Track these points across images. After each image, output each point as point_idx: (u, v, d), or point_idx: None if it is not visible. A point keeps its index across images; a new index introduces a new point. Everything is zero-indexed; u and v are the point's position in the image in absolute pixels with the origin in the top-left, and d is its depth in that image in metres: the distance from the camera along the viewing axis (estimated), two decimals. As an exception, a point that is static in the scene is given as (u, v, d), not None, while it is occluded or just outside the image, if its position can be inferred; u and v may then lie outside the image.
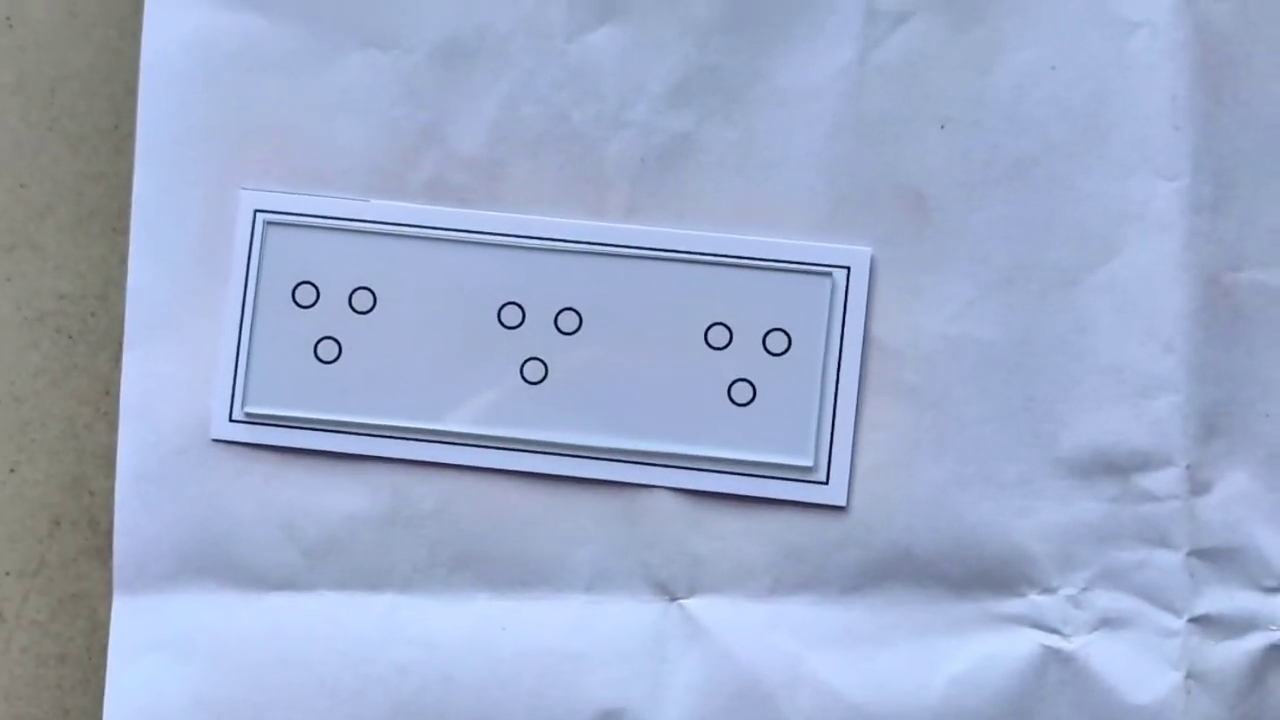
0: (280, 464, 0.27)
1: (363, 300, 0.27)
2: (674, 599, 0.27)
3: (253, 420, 0.27)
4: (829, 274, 0.27)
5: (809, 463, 0.27)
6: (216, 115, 0.27)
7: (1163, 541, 0.27)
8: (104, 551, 0.28)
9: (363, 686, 0.27)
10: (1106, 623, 0.27)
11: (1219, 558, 0.26)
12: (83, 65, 0.28)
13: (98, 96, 0.28)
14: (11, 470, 0.28)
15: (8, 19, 0.28)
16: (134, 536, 0.27)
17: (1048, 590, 0.27)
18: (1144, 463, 0.26)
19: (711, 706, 0.26)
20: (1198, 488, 0.27)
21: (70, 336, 0.28)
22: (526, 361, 0.27)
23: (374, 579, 0.27)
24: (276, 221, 0.27)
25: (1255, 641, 0.27)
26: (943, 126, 0.27)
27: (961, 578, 0.27)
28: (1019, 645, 0.27)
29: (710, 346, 0.27)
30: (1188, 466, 0.26)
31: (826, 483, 0.27)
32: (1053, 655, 0.27)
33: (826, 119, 0.27)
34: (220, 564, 0.27)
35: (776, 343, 0.27)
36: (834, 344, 0.27)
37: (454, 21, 0.27)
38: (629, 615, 0.27)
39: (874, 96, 0.27)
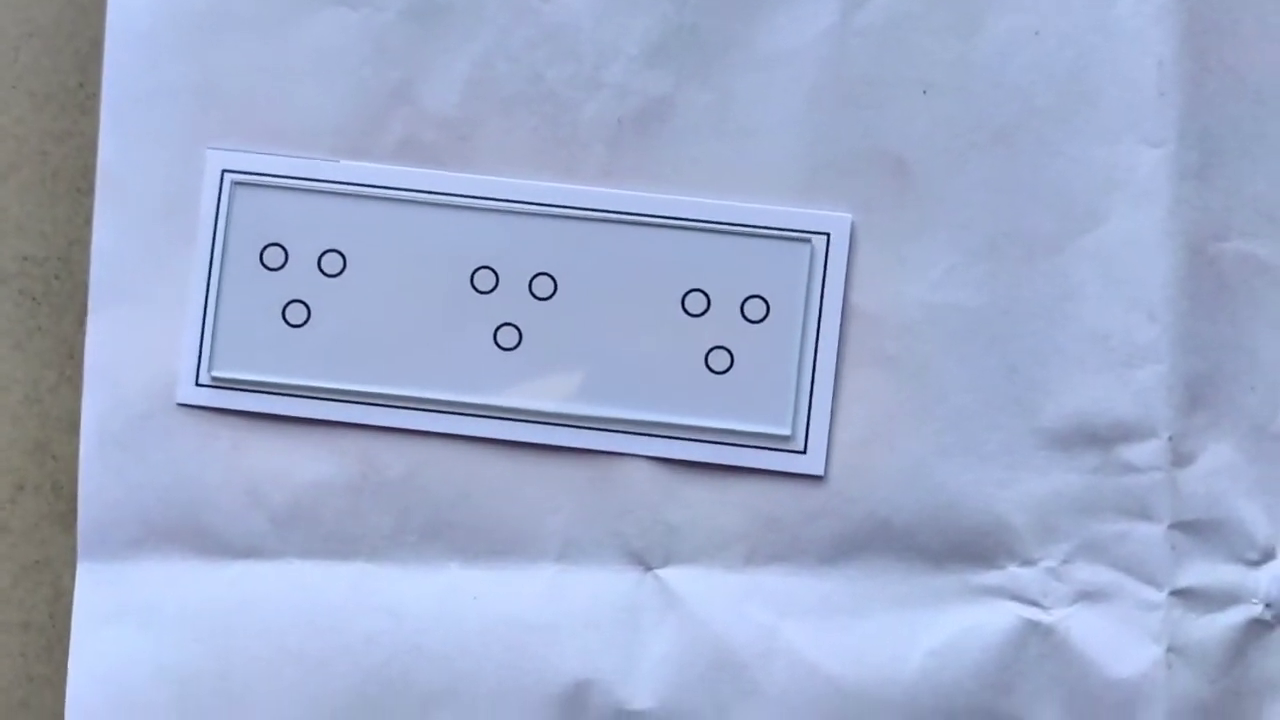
0: (247, 429, 0.27)
1: (332, 263, 0.26)
2: (648, 569, 0.27)
3: (219, 385, 0.27)
4: (808, 240, 0.26)
5: (786, 431, 0.26)
6: (183, 74, 0.27)
7: (1144, 514, 0.26)
8: (68, 517, 0.28)
9: (329, 656, 0.27)
10: (1086, 595, 0.27)
11: (1201, 530, 0.26)
12: (47, 22, 0.28)
13: (62, 54, 0.28)
14: (-28, 435, 0.28)
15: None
16: (98, 502, 0.28)
17: (1027, 562, 0.27)
18: (1126, 434, 0.26)
19: (686, 677, 0.26)
20: (1180, 459, 0.27)
21: (34, 299, 0.28)
22: (500, 327, 0.26)
23: (342, 547, 0.27)
24: (244, 182, 0.26)
25: (1237, 615, 0.27)
26: (925, 92, 0.27)
27: (940, 549, 0.27)
28: (998, 618, 0.27)
29: (687, 313, 0.26)
30: (1170, 438, 0.26)
31: (804, 452, 0.26)
32: (1032, 628, 0.27)
33: (806, 83, 0.27)
34: (186, 531, 0.27)
35: (754, 310, 0.26)
36: (813, 312, 0.26)
37: (427, -22, 0.27)
38: (602, 585, 0.27)
39: (855, 61, 0.27)
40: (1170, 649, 0.27)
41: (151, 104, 0.27)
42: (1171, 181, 0.26)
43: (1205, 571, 0.27)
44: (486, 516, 0.27)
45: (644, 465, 0.27)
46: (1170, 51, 0.27)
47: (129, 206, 0.27)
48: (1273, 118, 0.27)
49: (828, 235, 0.26)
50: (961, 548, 0.27)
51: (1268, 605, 0.26)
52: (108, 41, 0.27)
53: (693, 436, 0.26)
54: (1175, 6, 0.26)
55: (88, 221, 0.27)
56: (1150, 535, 0.27)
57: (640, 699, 0.27)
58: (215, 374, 0.27)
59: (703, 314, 0.27)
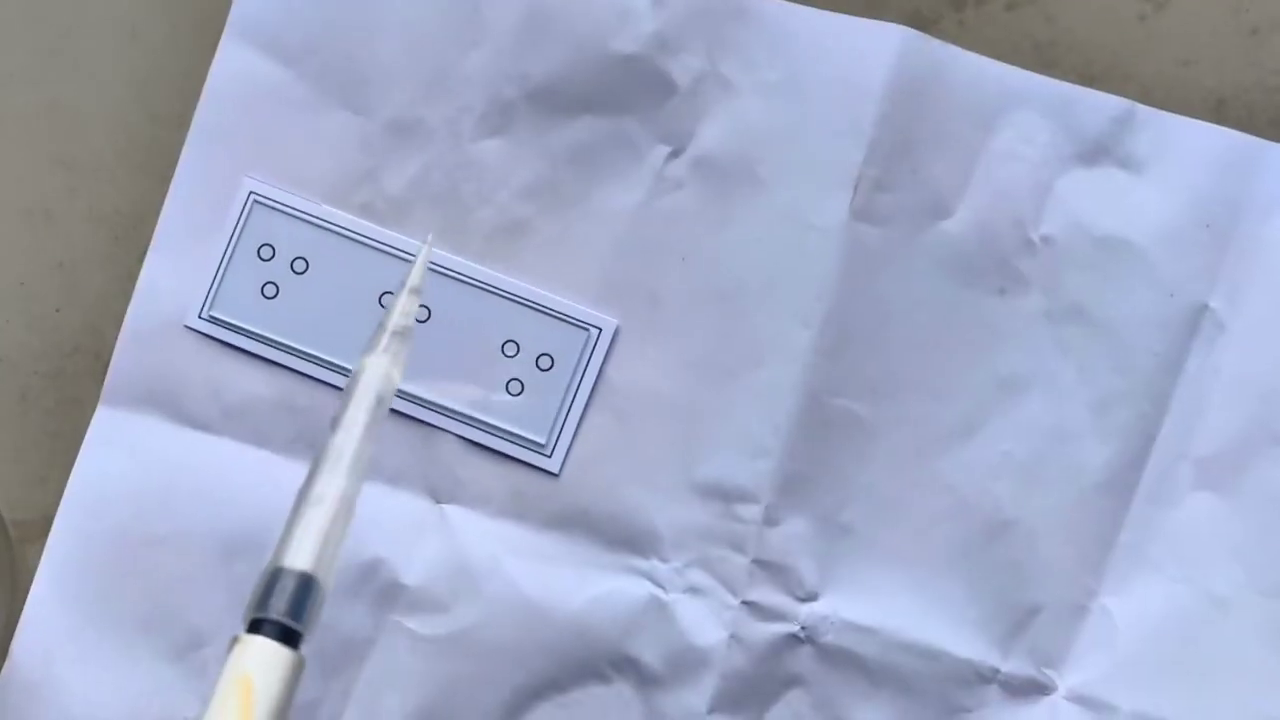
0: (221, 351, 0.40)
1: (300, 265, 0.40)
2: (437, 501, 0.40)
3: (213, 321, 0.40)
4: (588, 329, 0.41)
5: (543, 440, 0.40)
6: (241, 128, 0.40)
7: (739, 549, 0.40)
8: (99, 375, 0.40)
9: (231, 502, 0.40)
10: (692, 590, 0.39)
11: (771, 569, 0.39)
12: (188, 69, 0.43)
13: (169, 74, 0.43)
14: (57, 310, 0.43)
15: (132, 33, 0.43)
16: (120, 370, 0.40)
17: (663, 560, 0.39)
18: (741, 497, 0.39)
19: (440, 571, 0.40)
20: (770, 521, 0.39)
21: (116, 238, 0.42)
22: None
23: (260, 439, 0.40)
24: (260, 202, 0.41)
25: (780, 629, 0.39)
26: (683, 259, 0.40)
27: (615, 537, 0.40)
28: (637, 589, 0.39)
29: (503, 354, 0.40)
30: (766, 506, 0.39)
31: (550, 456, 0.40)
32: (655, 601, 0.39)
33: (614, 235, 0.40)
34: (168, 402, 0.40)
35: (544, 362, 0.40)
36: (579, 372, 0.40)
37: (403, 109, 0.40)
38: (407, 504, 0.40)
39: (646, 228, 0.40)
40: (732, 636, 0.39)
41: (218, 143, 0.40)
42: (811, 353, 0.39)
43: (767, 595, 0.39)
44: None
45: (453, 438, 0.40)
46: (833, 272, 0.39)
47: (192, 200, 0.40)
48: (891, 328, 0.39)
49: (600, 329, 0.40)
50: (628, 540, 0.39)
51: (803, 628, 0.39)
52: (203, 99, 0.40)
53: (486, 428, 0.40)
54: (844, 249, 0.40)
55: (161, 199, 0.42)
56: (739, 563, 0.39)
57: (409, 577, 0.40)
58: (212, 314, 0.40)
59: (513, 356, 0.40)
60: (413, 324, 0.33)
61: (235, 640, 0.28)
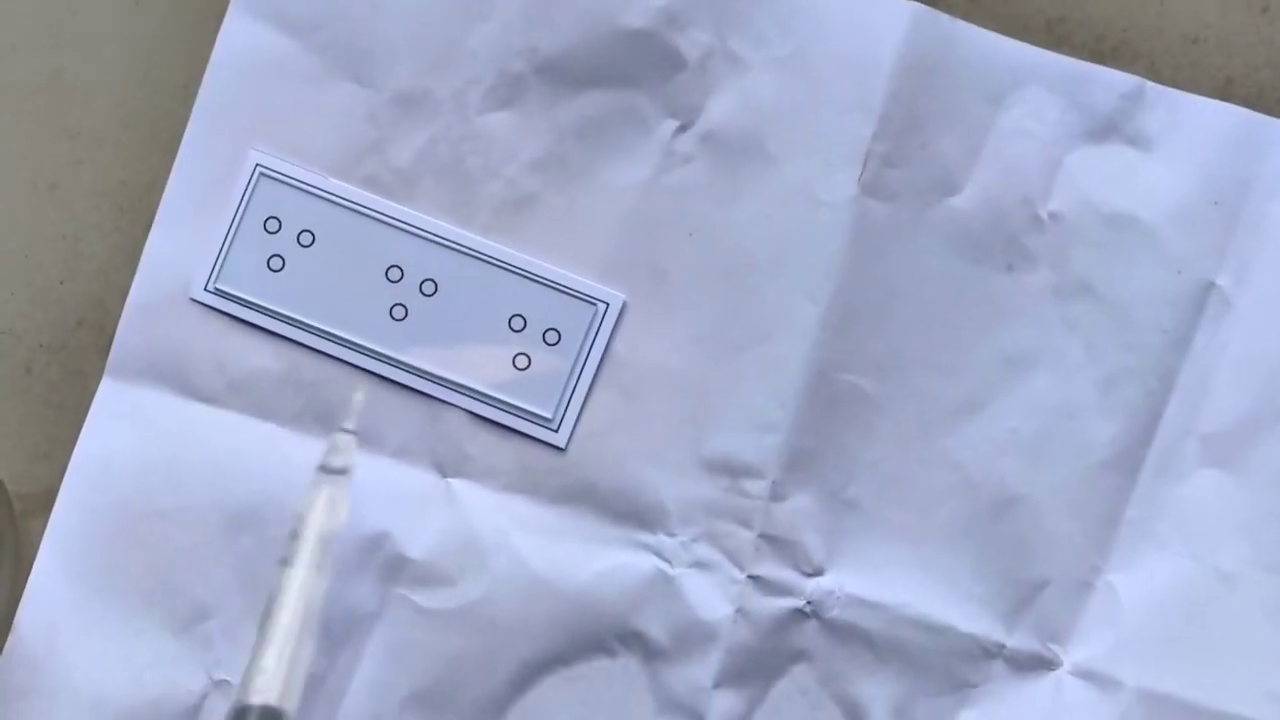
0: (227, 324, 0.40)
1: (306, 238, 0.40)
2: (444, 476, 0.40)
3: (219, 293, 0.41)
4: (595, 304, 0.41)
5: (550, 415, 0.40)
6: (247, 100, 0.40)
7: (745, 524, 0.40)
8: (104, 348, 0.40)
9: (237, 474, 0.40)
10: (698, 564, 0.40)
11: (777, 544, 0.40)
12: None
13: (174, 58, 0.42)
14: (61, 283, 0.42)
15: (136, 4, 0.42)
16: (126, 343, 0.40)
17: (669, 534, 0.40)
18: (748, 472, 0.40)
19: (446, 545, 0.40)
20: (776, 497, 0.40)
21: (121, 209, 0.42)
22: (394, 305, 0.40)
23: (265, 411, 0.40)
24: (266, 174, 0.40)
25: (786, 603, 0.40)
26: (690, 234, 0.40)
27: (622, 511, 0.40)
28: (643, 563, 0.40)
29: (510, 328, 0.40)
30: (773, 482, 0.40)
31: (557, 430, 0.40)
32: (661, 575, 0.40)
33: (622, 210, 0.40)
34: (173, 375, 0.40)
35: (551, 337, 0.41)
36: (586, 347, 0.40)
37: (410, 81, 0.40)
38: (413, 477, 0.40)
39: (654, 203, 0.40)
40: (739, 610, 0.40)
41: (225, 115, 0.40)
42: (818, 329, 0.39)
43: (773, 570, 0.40)
44: (359, 420, 0.39)
45: (459, 412, 0.40)
46: (841, 247, 0.40)
47: (198, 171, 0.40)
48: (898, 304, 0.39)
49: (608, 304, 0.41)
50: (634, 514, 0.40)
51: (808, 603, 0.39)
52: (209, 70, 0.40)
53: (493, 403, 0.40)
54: (853, 222, 0.40)
55: (167, 171, 0.42)
56: (745, 538, 0.40)
57: (415, 551, 0.40)
58: (218, 286, 0.41)
59: (520, 331, 0.41)
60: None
61: None
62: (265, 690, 0.31)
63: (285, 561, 0.36)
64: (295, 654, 0.32)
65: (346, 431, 0.38)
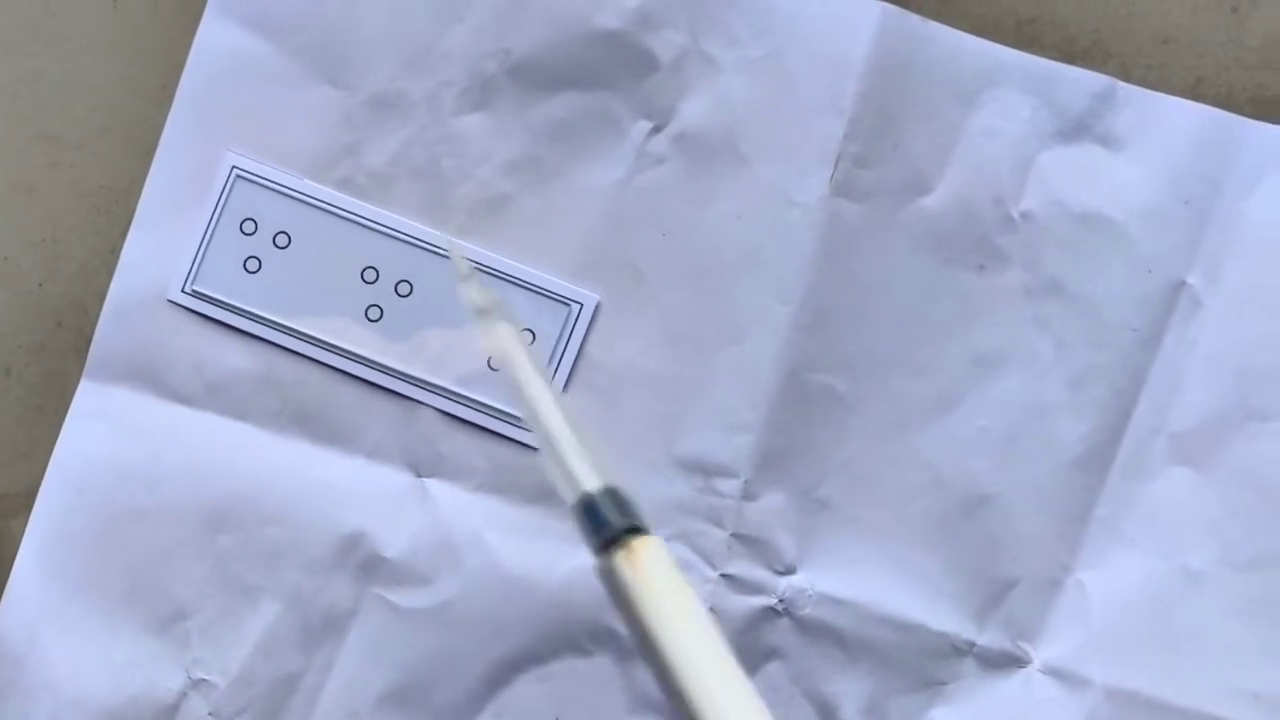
0: (204, 325, 0.40)
1: (282, 240, 0.41)
2: (419, 475, 0.40)
3: (196, 295, 0.41)
4: (569, 304, 0.41)
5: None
6: (224, 103, 0.40)
7: (718, 523, 0.40)
8: (82, 350, 0.41)
9: (214, 473, 0.40)
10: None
11: (749, 543, 0.40)
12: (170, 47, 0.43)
13: (153, 60, 0.43)
14: (40, 285, 0.43)
15: (114, 6, 0.43)
16: (103, 345, 0.40)
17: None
18: (721, 471, 0.40)
19: (421, 544, 0.40)
20: (748, 496, 0.40)
21: (99, 211, 0.43)
22: (369, 306, 0.41)
23: (241, 412, 0.40)
24: (242, 176, 0.41)
25: (758, 601, 0.40)
26: (664, 235, 0.41)
27: None
28: None
29: None
30: (745, 481, 0.40)
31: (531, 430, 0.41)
32: None
33: (596, 210, 0.40)
34: (150, 376, 0.40)
35: (527, 337, 0.41)
36: (561, 347, 0.40)
37: (385, 84, 0.40)
38: (388, 477, 0.40)
39: (627, 204, 0.40)
40: (711, 609, 0.40)
41: (201, 117, 0.40)
42: (790, 328, 0.40)
43: (745, 568, 0.40)
44: (334, 418, 0.40)
45: (434, 413, 0.40)
46: (812, 248, 0.40)
47: (175, 173, 0.41)
48: (870, 304, 0.40)
49: (582, 304, 0.41)
50: None
51: (780, 601, 0.40)
52: (186, 71, 0.40)
53: (468, 403, 0.41)
54: (824, 222, 0.40)
55: (144, 173, 0.42)
56: (718, 537, 0.40)
57: (390, 550, 0.40)
58: (195, 288, 0.41)
59: (494, 331, 0.41)
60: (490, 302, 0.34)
61: (612, 568, 0.29)
62: (590, 478, 0.30)
63: (519, 391, 0.33)
64: (585, 441, 0.31)
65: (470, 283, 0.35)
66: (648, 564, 0.29)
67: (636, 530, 0.29)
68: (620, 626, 0.40)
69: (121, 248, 0.41)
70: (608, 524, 0.30)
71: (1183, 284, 0.40)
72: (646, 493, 0.40)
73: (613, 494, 0.30)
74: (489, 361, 0.40)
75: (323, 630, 0.40)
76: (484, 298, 0.34)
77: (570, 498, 0.30)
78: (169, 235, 0.41)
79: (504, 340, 0.33)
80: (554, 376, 0.40)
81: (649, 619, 0.29)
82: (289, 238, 0.41)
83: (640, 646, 0.29)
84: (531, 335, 0.40)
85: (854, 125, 0.40)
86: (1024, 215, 0.40)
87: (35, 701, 0.40)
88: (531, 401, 0.32)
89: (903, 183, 0.40)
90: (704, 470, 0.40)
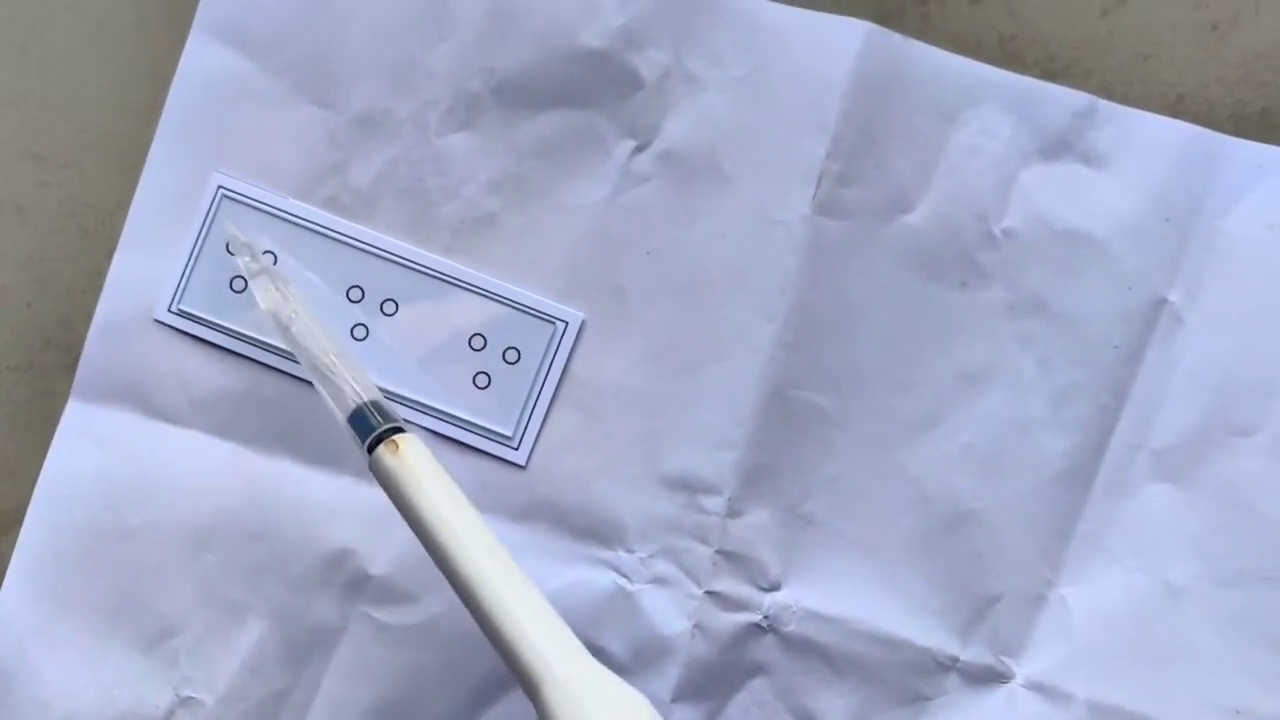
0: (190, 345, 0.40)
1: (267, 259, 0.41)
2: None
3: (182, 314, 0.41)
4: (554, 323, 0.41)
5: (510, 433, 0.41)
6: (210, 123, 0.41)
7: (703, 539, 0.40)
8: (70, 369, 0.41)
9: (199, 492, 0.40)
10: (657, 580, 0.40)
11: (734, 559, 0.40)
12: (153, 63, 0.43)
13: (137, 62, 0.43)
14: (28, 304, 0.43)
15: (99, 26, 0.43)
16: (91, 364, 0.40)
17: (629, 550, 0.40)
18: (705, 489, 0.40)
19: (407, 562, 0.40)
20: (733, 513, 0.40)
21: (86, 231, 0.42)
22: (355, 325, 0.41)
23: (226, 430, 0.40)
24: (228, 196, 0.41)
25: (743, 618, 0.40)
26: (648, 253, 0.40)
27: (581, 528, 0.40)
28: (603, 579, 0.40)
29: (470, 347, 0.41)
30: (730, 498, 0.40)
31: (517, 449, 0.41)
32: (620, 591, 0.40)
33: (580, 229, 0.40)
34: (137, 395, 0.40)
35: (511, 355, 0.41)
36: (545, 366, 0.41)
37: (370, 103, 0.40)
38: (376, 496, 0.39)
39: (612, 223, 0.40)
40: (696, 626, 0.40)
41: (187, 137, 0.40)
42: (774, 346, 0.40)
43: (730, 586, 0.40)
44: (320, 437, 0.40)
45: (420, 431, 0.42)
46: (795, 266, 0.40)
47: (161, 193, 0.40)
48: (853, 321, 0.40)
49: (566, 323, 0.41)
50: (593, 531, 0.40)
51: (765, 618, 0.40)
52: (173, 91, 0.41)
53: (453, 421, 0.41)
54: (807, 241, 0.40)
55: (131, 193, 0.42)
56: (703, 554, 0.40)
57: (376, 568, 0.40)
58: (181, 307, 0.41)
59: (480, 350, 0.41)
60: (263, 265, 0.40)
61: (376, 457, 0.36)
62: (355, 394, 0.37)
63: (285, 327, 0.39)
64: (345, 359, 0.38)
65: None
66: (406, 453, 0.35)
67: (398, 431, 0.36)
68: (607, 644, 0.40)
69: (108, 267, 0.41)
70: (373, 427, 0.36)
71: (1164, 301, 0.40)
72: (631, 509, 0.40)
73: (376, 405, 0.37)
74: (474, 380, 0.41)
75: (310, 647, 0.41)
76: (255, 266, 0.40)
77: (341, 414, 0.37)
78: (155, 255, 0.41)
79: (271, 291, 0.39)
80: (539, 394, 0.40)
81: (410, 495, 0.35)
82: (274, 257, 0.41)
83: (410, 524, 0.35)
84: (517, 354, 0.41)
85: (836, 144, 0.40)
86: (1006, 233, 0.40)
87: (24, 719, 0.40)
88: (299, 337, 0.38)
89: (885, 200, 0.40)
90: (688, 487, 0.40)
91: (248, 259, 0.40)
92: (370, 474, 0.36)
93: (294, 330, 0.38)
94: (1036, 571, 0.40)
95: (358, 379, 0.37)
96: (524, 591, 0.33)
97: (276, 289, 0.39)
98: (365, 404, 0.36)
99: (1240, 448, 0.40)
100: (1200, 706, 0.39)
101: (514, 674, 0.33)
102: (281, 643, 0.41)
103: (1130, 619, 0.40)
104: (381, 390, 0.40)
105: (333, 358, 0.37)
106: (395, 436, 0.36)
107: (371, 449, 0.36)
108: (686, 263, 0.40)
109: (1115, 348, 0.40)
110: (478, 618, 0.33)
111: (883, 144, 0.40)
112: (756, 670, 0.40)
